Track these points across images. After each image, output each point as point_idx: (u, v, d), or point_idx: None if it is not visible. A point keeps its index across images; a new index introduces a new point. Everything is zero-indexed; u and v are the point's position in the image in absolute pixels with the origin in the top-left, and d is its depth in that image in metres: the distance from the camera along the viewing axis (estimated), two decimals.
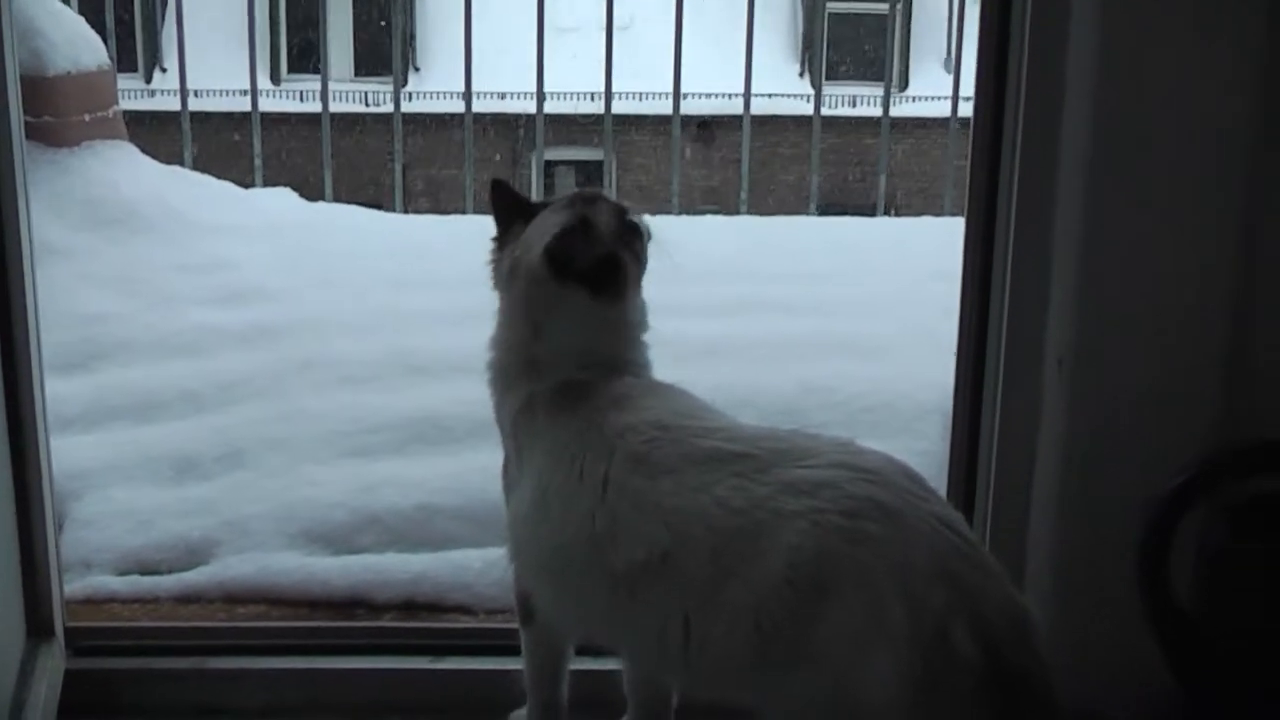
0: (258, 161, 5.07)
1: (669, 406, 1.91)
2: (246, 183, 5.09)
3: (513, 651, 2.14)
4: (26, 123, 4.31)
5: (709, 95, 13.24)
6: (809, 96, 16.06)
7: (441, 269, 3.83)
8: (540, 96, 4.62)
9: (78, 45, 4.74)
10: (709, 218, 4.90)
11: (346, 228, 4.59)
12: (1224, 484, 2.01)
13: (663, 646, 1.76)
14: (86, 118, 4.69)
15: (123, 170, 4.58)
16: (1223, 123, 1.99)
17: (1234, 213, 2.02)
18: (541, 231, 1.98)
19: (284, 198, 4.93)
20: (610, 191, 2.14)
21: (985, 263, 2.21)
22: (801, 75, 17.05)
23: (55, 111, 4.55)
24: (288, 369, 3.37)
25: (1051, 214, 2.09)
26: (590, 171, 16.48)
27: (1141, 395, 2.07)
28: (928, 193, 14.26)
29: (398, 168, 4.91)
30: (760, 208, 5.04)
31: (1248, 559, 2.02)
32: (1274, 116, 1.99)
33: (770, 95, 13.97)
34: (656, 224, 2.07)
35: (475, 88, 4.74)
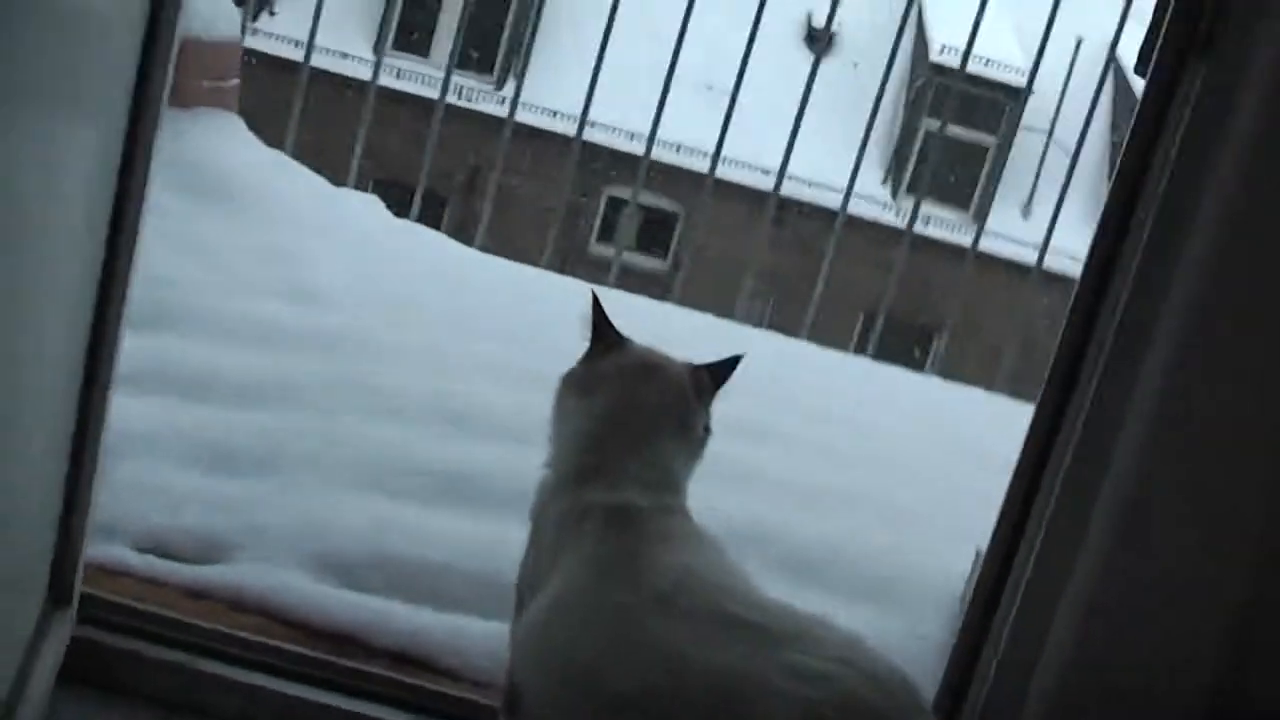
0: (355, 164, 5.18)
1: (704, 558, 1.98)
2: (339, 174, 5.20)
3: None
4: None
5: (791, 178, 13.34)
6: (886, 204, 16.30)
7: (510, 321, 3.93)
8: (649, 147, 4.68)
9: (218, 12, 4.88)
10: (766, 334, 4.95)
11: (425, 254, 4.68)
12: None
13: None
14: (205, 84, 4.81)
15: (226, 143, 4.69)
16: None
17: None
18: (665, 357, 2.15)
19: (371, 206, 5.03)
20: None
21: (1039, 464, 2.24)
22: (884, 183, 17.19)
23: (178, 72, 4.66)
24: (338, 384, 3.43)
25: (1118, 431, 2.11)
26: (655, 218, 16.57)
27: (1152, 641, 2.10)
28: (976, 327, 14.34)
29: (484, 220, 4.99)
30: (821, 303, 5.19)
31: None
32: None
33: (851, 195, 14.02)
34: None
35: (565, 108, 4.89)
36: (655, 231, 16.98)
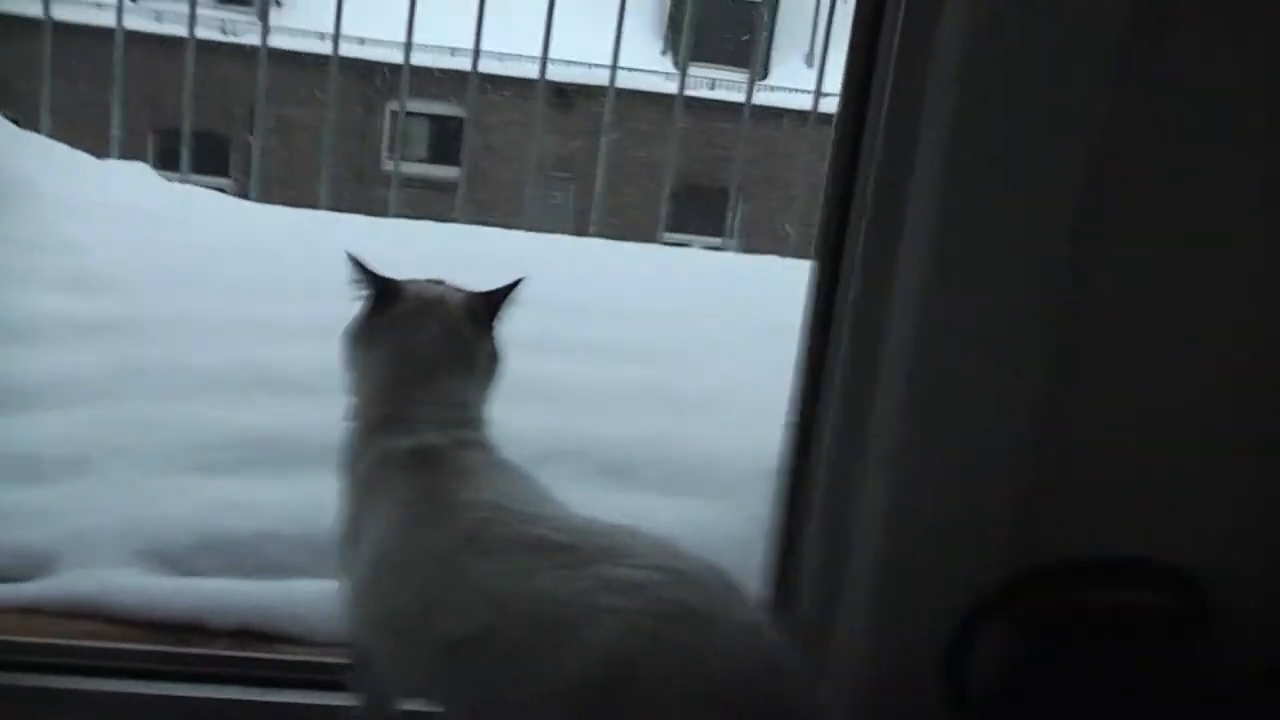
0: (115, 133, 5.02)
1: (508, 488, 2.03)
2: (100, 145, 5.03)
3: (344, 687, 2.25)
4: None
5: (571, 63, 13.28)
6: (669, 75, 16.30)
7: (294, 274, 3.87)
8: (408, 46, 4.66)
9: None
10: (558, 238, 4.96)
11: (202, 217, 4.58)
12: (1020, 599, 2.21)
13: (480, 715, 1.87)
14: None
15: None
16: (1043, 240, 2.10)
17: (1044, 331, 2.13)
18: (438, 290, 2.19)
19: (140, 174, 4.89)
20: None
21: (820, 349, 2.36)
22: (664, 53, 17.19)
23: None
24: (134, 370, 3.38)
25: (889, 297, 2.19)
26: (444, 127, 16.33)
27: (953, 509, 2.19)
28: (774, 181, 14.56)
29: (254, 156, 4.90)
30: (612, 182, 5.18)
31: (1036, 667, 2.25)
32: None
33: (631, 70, 14.07)
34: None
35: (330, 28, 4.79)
36: (444, 140, 16.74)
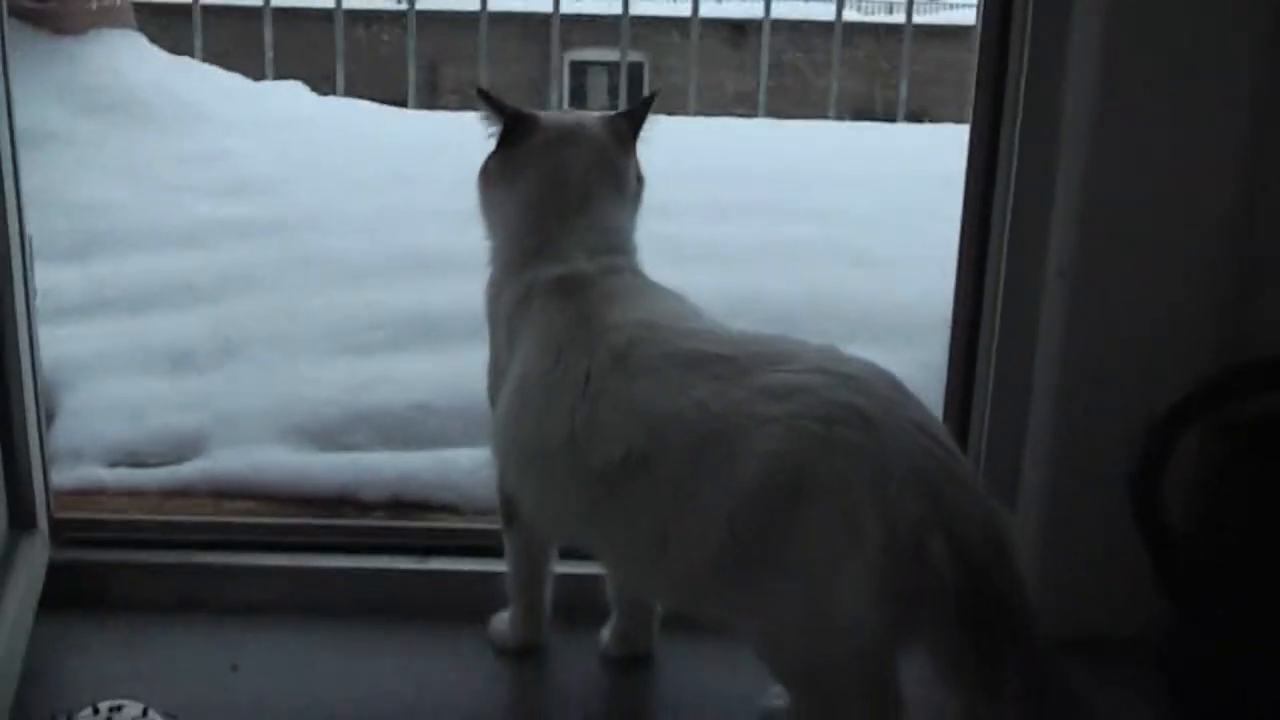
0: (269, 54, 4.98)
1: (659, 307, 1.88)
2: (258, 76, 5.03)
3: (498, 553, 2.13)
4: (32, 9, 4.29)
5: None
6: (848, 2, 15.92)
7: (447, 166, 3.76)
8: None
9: None
10: (724, 119, 4.79)
11: (357, 122, 4.54)
12: (1221, 403, 1.97)
13: (639, 550, 1.74)
14: (93, 5, 4.64)
15: (129, 59, 4.54)
16: (1228, 46, 1.95)
17: (1237, 132, 1.97)
18: (575, 115, 2.05)
19: (295, 91, 4.88)
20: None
21: (989, 171, 2.20)
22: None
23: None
24: (287, 263, 3.34)
25: (1057, 124, 2.06)
26: (620, 73, 16.24)
27: (1141, 311, 2.04)
28: (961, 100, 14.09)
29: (410, 66, 4.81)
30: (793, 115, 4.98)
31: (1241, 480, 2.00)
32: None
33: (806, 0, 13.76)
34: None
35: None
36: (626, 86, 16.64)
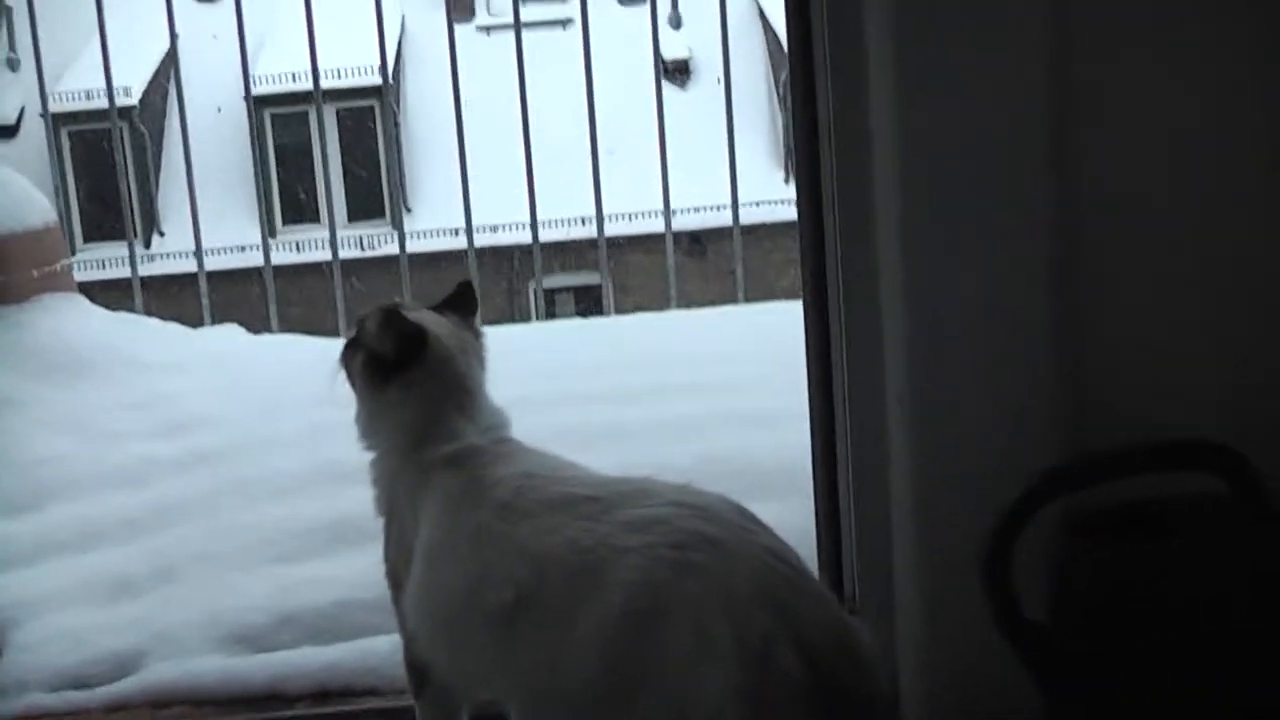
0: (205, 302, 5.25)
1: (537, 462, 2.10)
2: (197, 323, 5.27)
3: None
4: None
5: (699, 209, 13.50)
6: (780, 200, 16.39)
7: None
8: (534, 226, 4.80)
9: (23, 206, 4.95)
10: (638, 315, 5.05)
11: (288, 353, 4.75)
12: (1059, 494, 2.11)
13: (534, 681, 1.90)
14: (35, 274, 4.88)
15: (70, 320, 4.75)
16: (1014, 138, 2.12)
17: (1043, 232, 2.14)
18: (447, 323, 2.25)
19: (230, 333, 5.10)
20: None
21: (821, 316, 2.42)
22: (786, 181, 17.29)
23: (6, 270, 4.75)
24: (222, 488, 3.51)
25: (875, 269, 2.25)
26: (589, 296, 16.57)
27: (979, 422, 2.20)
28: None
29: (338, 290, 5.07)
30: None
31: (1086, 570, 2.13)
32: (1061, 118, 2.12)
33: (758, 204, 14.24)
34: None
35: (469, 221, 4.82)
36: (589, 303, 16.93)
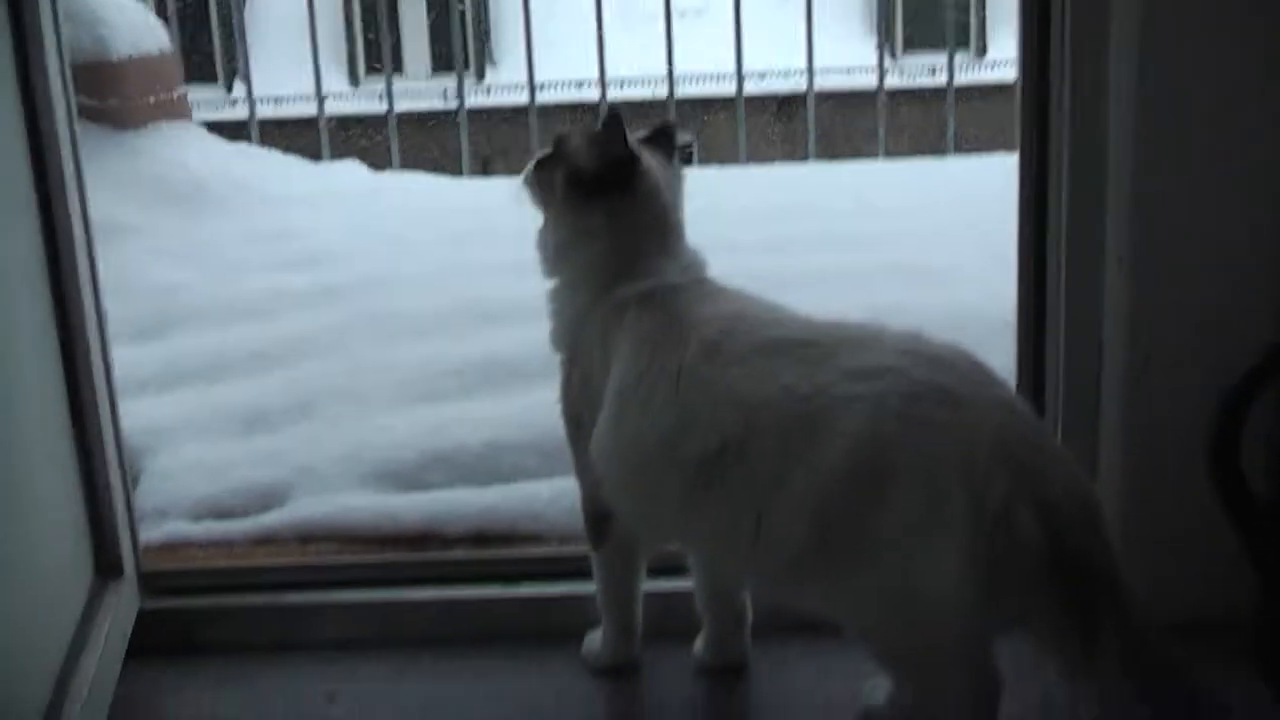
0: (322, 136, 5.07)
1: (745, 304, 1.91)
2: (316, 157, 5.12)
3: (586, 575, 2.13)
4: (94, 107, 4.41)
5: (787, 73, 13.14)
6: (888, 69, 15.92)
7: (505, 222, 3.82)
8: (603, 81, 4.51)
9: (139, 30, 4.81)
10: (775, 165, 4.84)
11: (412, 192, 4.62)
12: None
13: (733, 540, 1.74)
14: (151, 100, 4.76)
15: (189, 148, 4.65)
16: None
17: None
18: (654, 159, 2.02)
19: (351, 169, 4.97)
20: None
21: (1042, 170, 2.19)
22: (880, 48, 16.83)
23: (121, 95, 4.62)
24: (355, 325, 3.38)
25: (1105, 120, 2.07)
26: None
27: (1204, 288, 2.05)
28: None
29: (464, 135, 4.88)
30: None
31: None
32: None
33: (848, 70, 13.85)
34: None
35: (551, 77, 4.54)
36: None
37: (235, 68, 16.35)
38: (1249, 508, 1.94)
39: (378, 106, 14.01)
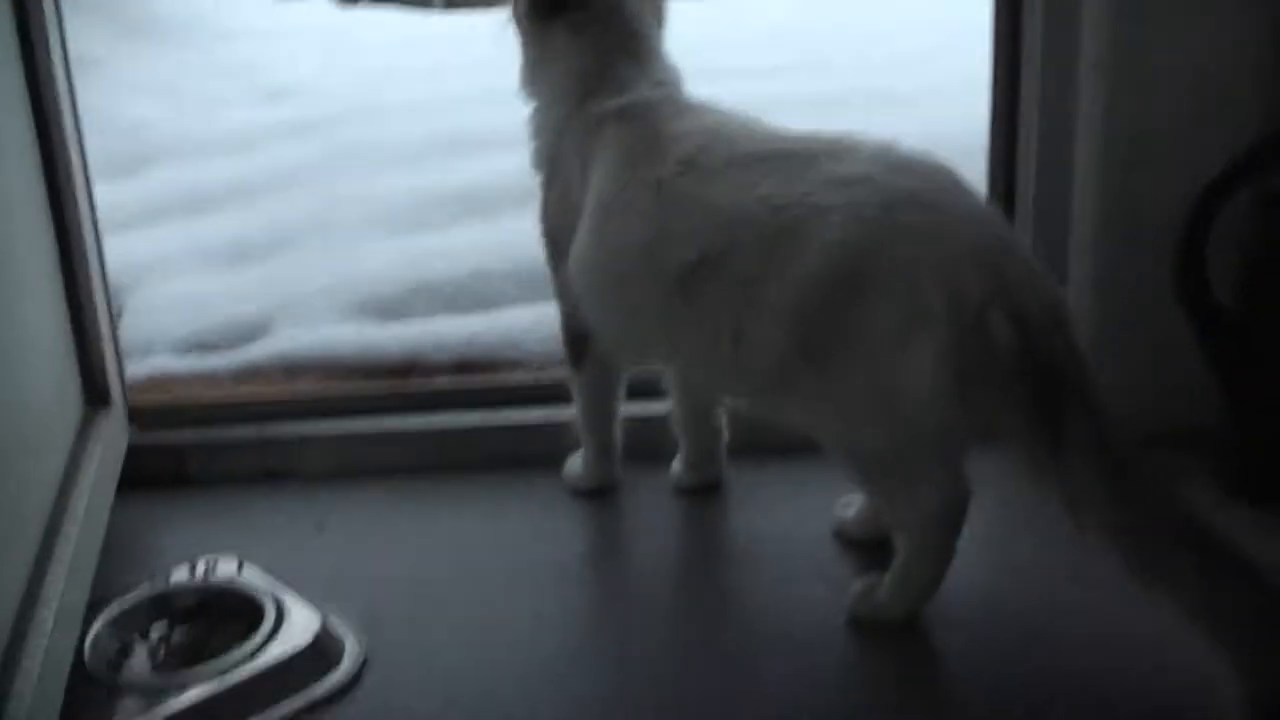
0: None
1: (721, 117, 1.92)
2: None
3: (565, 401, 2.18)
4: None
5: None
6: None
7: (480, 54, 3.78)
8: None
9: None
10: None
11: (380, 26, 4.57)
12: (1260, 173, 1.99)
13: (714, 350, 1.77)
14: None
15: None
16: None
17: None
18: None
19: (318, 4, 4.89)
20: None
21: None
22: None
23: None
24: (334, 157, 3.39)
25: None
26: None
27: (1177, 94, 2.05)
28: None
29: None
30: None
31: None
32: None
33: None
34: None
35: None
36: None
37: None
38: (1213, 317, 2.00)
39: None
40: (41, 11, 2.05)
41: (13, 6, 2.02)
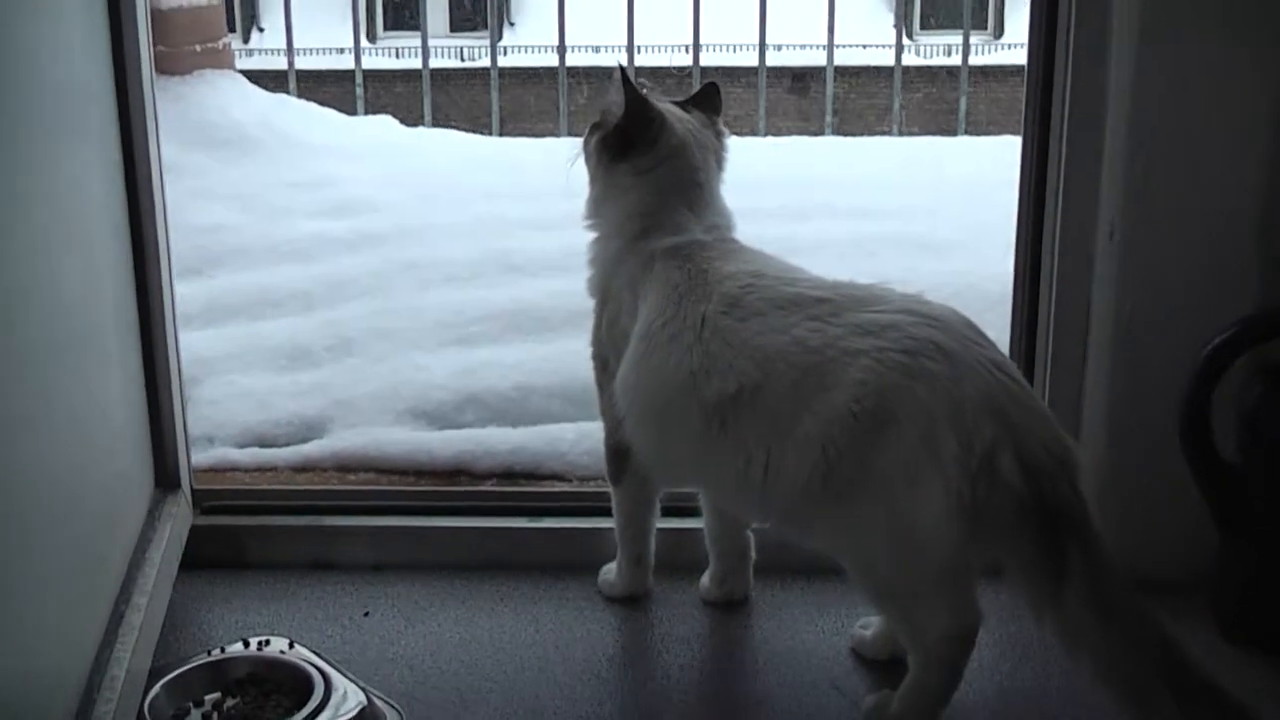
0: (359, 90, 5.23)
1: (765, 262, 2.08)
2: (351, 112, 5.28)
3: (604, 513, 2.31)
4: None
5: (804, 46, 13.21)
6: (905, 46, 15.93)
7: (533, 181, 3.99)
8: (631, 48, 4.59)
9: None
10: (794, 138, 4.98)
11: (445, 148, 4.77)
12: (1263, 340, 2.13)
13: (745, 477, 1.90)
14: (198, 48, 4.92)
15: (232, 96, 4.80)
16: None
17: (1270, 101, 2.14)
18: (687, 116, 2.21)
19: (385, 124, 5.12)
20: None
21: (1043, 151, 2.33)
22: (895, 26, 16.85)
23: (169, 42, 4.77)
24: (393, 270, 3.55)
25: (1104, 104, 2.22)
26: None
27: (1187, 264, 2.21)
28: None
29: (494, 93, 5.02)
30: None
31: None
32: None
33: (864, 46, 13.91)
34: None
35: (569, 41, 4.58)
36: None
37: (253, 19, 16.52)
38: (1217, 472, 2.12)
39: (394, 63, 14.11)
40: (144, 124, 2.24)
41: (118, 117, 2.21)
